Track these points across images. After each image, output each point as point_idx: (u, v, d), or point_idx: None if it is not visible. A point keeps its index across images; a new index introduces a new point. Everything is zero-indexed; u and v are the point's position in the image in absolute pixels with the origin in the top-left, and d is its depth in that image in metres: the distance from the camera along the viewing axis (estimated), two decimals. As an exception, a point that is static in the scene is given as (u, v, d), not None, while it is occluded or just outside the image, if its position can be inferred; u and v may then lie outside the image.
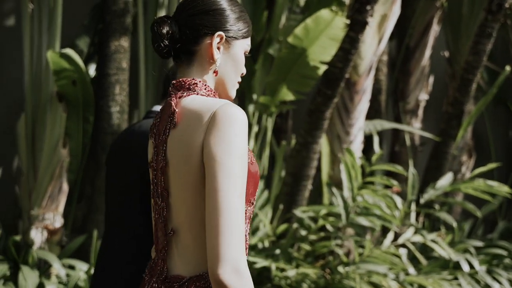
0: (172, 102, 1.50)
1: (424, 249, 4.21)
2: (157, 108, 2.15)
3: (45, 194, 3.67)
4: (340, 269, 3.67)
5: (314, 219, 3.93)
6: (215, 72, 1.55)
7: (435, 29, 5.01)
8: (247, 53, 1.60)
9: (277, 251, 3.71)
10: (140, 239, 2.00)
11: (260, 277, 3.68)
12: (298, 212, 3.81)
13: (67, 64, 3.58)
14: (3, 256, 3.55)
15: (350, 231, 4.11)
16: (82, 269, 3.50)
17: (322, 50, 3.84)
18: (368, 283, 3.60)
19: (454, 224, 4.17)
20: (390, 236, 4.01)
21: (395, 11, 4.31)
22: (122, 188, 2.11)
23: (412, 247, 3.93)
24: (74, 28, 3.98)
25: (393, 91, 5.10)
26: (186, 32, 1.53)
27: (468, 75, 4.42)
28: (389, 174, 4.68)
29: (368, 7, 3.73)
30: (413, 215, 4.20)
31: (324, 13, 3.75)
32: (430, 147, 4.79)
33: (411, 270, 3.78)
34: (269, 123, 4.29)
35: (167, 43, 1.53)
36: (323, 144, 4.23)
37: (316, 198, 4.40)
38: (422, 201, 4.10)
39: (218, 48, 1.54)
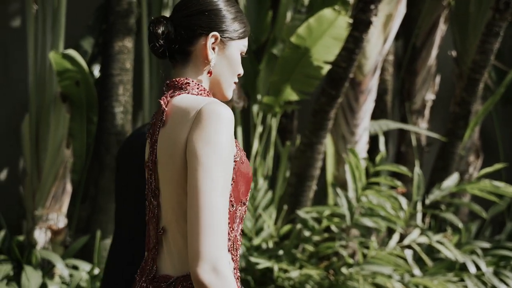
0: (162, 101, 1.51)
1: (431, 250, 4.18)
2: None
3: (49, 194, 3.69)
4: (344, 270, 3.65)
5: (318, 220, 3.91)
6: (210, 72, 1.54)
7: (441, 28, 4.97)
8: (243, 54, 1.59)
9: (281, 252, 3.70)
10: (140, 240, 2.00)
11: (264, 278, 3.67)
12: (301, 213, 3.79)
13: (69, 65, 3.59)
14: (6, 256, 3.57)
15: (355, 232, 4.09)
16: (85, 269, 3.51)
17: (326, 50, 3.82)
18: (372, 284, 3.57)
19: (460, 225, 4.13)
20: (396, 237, 3.98)
21: (401, 11, 4.28)
22: (124, 188, 2.17)
23: (418, 248, 3.90)
24: (79, 29, 3.99)
25: (399, 91, 5.06)
26: (181, 33, 1.53)
27: (475, 74, 4.38)
28: (395, 174, 4.64)
29: (372, 6, 3.70)
30: (419, 216, 4.17)
31: (327, 12, 3.73)
32: (437, 147, 4.75)
33: (417, 271, 3.75)
34: (274, 123, 4.28)
35: (162, 43, 1.54)
36: (328, 145, 4.21)
37: (321, 198, 4.38)
38: (427, 202, 4.07)
39: (213, 49, 1.53)
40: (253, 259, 3.57)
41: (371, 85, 4.29)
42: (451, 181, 4.06)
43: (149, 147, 1.54)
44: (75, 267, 3.59)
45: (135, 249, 2.05)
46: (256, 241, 3.77)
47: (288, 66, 3.92)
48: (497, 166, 4.16)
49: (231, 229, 1.47)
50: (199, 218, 1.35)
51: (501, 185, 3.92)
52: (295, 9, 4.26)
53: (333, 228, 3.86)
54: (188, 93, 1.51)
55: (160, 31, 1.53)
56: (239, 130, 4.24)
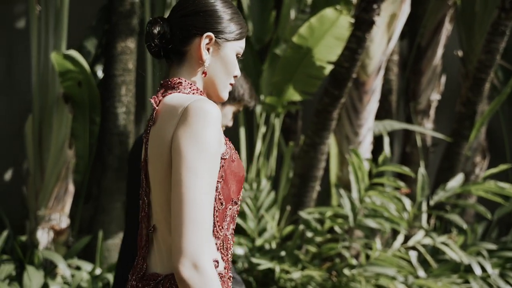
0: (153, 100, 1.51)
1: (436, 251, 4.14)
2: None
3: (52, 194, 3.70)
4: (347, 271, 3.62)
5: (321, 221, 3.89)
6: (204, 73, 1.54)
7: (447, 27, 4.93)
8: (239, 55, 1.59)
9: (283, 253, 3.68)
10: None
11: (266, 279, 3.65)
12: (304, 213, 3.77)
13: (71, 66, 3.59)
14: (9, 256, 3.58)
15: (358, 233, 4.06)
16: (87, 269, 3.51)
17: (328, 50, 3.80)
18: (375, 286, 3.55)
19: (465, 226, 4.10)
20: (400, 238, 3.95)
21: (405, 10, 4.25)
22: (131, 187, 2.26)
23: (422, 250, 3.87)
24: (82, 30, 3.99)
25: (404, 91, 5.03)
26: (176, 33, 1.53)
27: (481, 74, 4.34)
28: (400, 175, 4.61)
29: (375, 6, 3.67)
30: (424, 217, 4.14)
31: (329, 12, 3.71)
32: (442, 148, 4.72)
33: (421, 273, 3.72)
34: (277, 123, 4.26)
35: (157, 42, 1.54)
36: (331, 145, 4.19)
37: (325, 199, 4.36)
38: (432, 203, 4.03)
39: (208, 49, 1.53)
40: (255, 260, 3.56)
41: (375, 85, 4.26)
42: (455, 182, 4.02)
43: (143, 146, 1.54)
44: (78, 268, 3.60)
45: (135, 249, 2.10)
46: (258, 242, 3.76)
47: (290, 66, 3.90)
48: (503, 167, 4.11)
49: (220, 227, 1.46)
50: (181, 214, 1.35)
51: (506, 186, 3.87)
52: (299, 9, 4.24)
53: (336, 229, 3.83)
54: (179, 92, 1.51)
55: (156, 31, 1.53)
56: (242, 131, 4.23)
